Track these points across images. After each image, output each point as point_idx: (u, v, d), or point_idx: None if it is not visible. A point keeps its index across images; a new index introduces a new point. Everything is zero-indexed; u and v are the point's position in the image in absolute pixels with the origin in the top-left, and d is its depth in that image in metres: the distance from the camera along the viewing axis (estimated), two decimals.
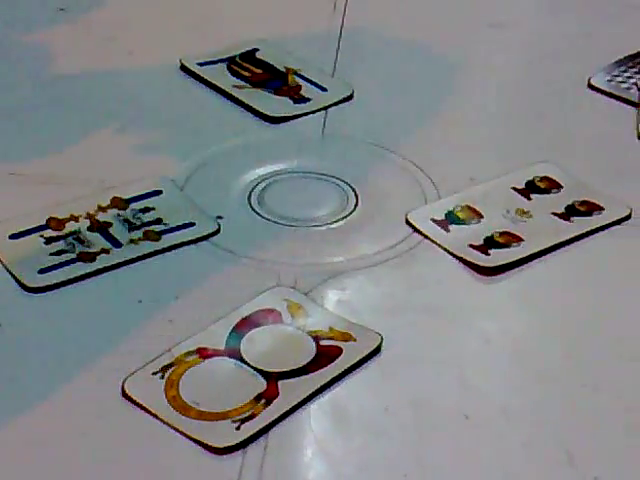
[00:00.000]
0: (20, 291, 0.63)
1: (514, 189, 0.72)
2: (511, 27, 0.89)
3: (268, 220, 0.69)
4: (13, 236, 0.67)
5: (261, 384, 0.57)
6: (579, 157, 0.75)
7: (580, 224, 0.69)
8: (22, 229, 0.67)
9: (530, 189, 0.72)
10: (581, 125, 0.79)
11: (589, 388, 0.59)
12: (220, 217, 0.69)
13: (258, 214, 0.70)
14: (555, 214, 0.70)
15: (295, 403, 0.56)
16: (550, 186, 0.72)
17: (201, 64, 0.83)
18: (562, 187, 0.72)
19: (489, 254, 0.66)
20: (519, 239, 0.68)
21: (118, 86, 0.81)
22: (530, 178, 0.73)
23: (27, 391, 0.58)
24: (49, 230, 0.67)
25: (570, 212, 0.70)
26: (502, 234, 0.68)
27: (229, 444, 0.54)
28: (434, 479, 0.54)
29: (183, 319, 0.62)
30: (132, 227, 0.68)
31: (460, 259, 0.66)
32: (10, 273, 0.64)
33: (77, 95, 0.80)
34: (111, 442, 0.55)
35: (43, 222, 0.68)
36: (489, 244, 0.67)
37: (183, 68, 0.83)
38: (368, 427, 0.56)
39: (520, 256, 0.66)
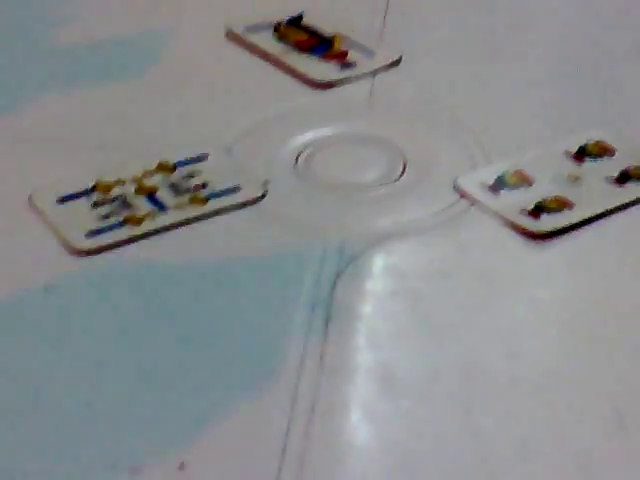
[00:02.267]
0: (67, 254, 0.63)
1: (566, 154, 0.70)
2: None
3: (315, 185, 0.69)
4: (60, 200, 0.67)
5: None
6: (635, 122, 0.74)
7: (634, 190, 0.68)
8: (69, 193, 0.67)
9: (583, 154, 0.70)
10: (637, 89, 0.77)
11: None
12: (267, 181, 0.69)
13: (305, 179, 0.69)
14: (608, 179, 0.68)
15: None
16: (604, 151, 0.71)
17: (247, 29, 0.83)
18: (616, 152, 0.71)
19: (540, 219, 0.65)
20: (571, 204, 0.66)
21: (164, 52, 0.81)
22: (583, 143, 0.71)
23: (75, 355, 0.58)
24: (96, 194, 0.67)
25: (624, 178, 0.69)
26: (554, 199, 0.67)
27: None
28: (482, 443, 0.53)
29: (229, 283, 0.62)
30: (178, 191, 0.67)
31: (510, 224, 0.65)
32: (58, 237, 0.64)
33: (122, 61, 0.79)
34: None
35: (90, 186, 0.68)
36: (540, 209, 0.66)
37: (229, 34, 0.82)
38: (416, 392, 0.56)
39: (572, 221, 0.65)
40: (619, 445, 0.52)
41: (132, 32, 0.82)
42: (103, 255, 0.63)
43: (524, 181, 0.68)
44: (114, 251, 0.64)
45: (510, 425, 0.54)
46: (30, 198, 0.67)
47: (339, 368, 0.56)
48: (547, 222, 0.65)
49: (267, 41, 0.81)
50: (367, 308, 0.60)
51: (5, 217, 0.66)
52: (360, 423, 0.54)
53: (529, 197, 0.67)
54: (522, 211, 0.66)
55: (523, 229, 0.65)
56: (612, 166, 0.69)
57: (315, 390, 0.55)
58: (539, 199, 0.67)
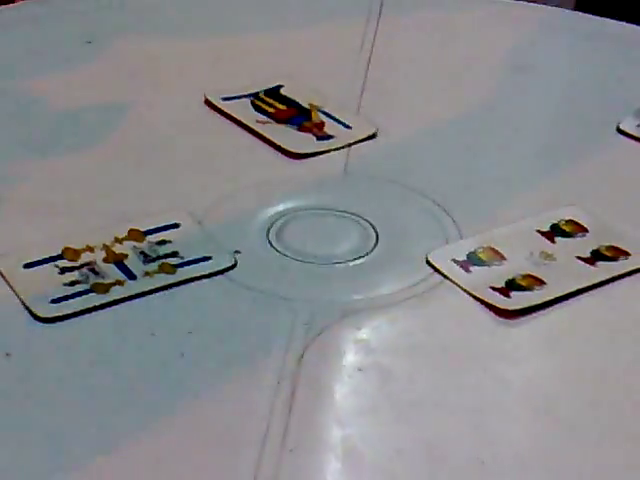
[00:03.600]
0: (32, 321, 0.63)
1: (538, 231, 0.70)
2: (538, 70, 0.88)
3: (286, 256, 0.68)
4: (27, 265, 0.66)
5: None
6: (606, 201, 0.74)
7: (605, 269, 0.67)
8: (37, 258, 0.66)
9: (555, 232, 0.70)
10: (609, 169, 0.77)
11: (611, 438, 0.57)
12: (237, 252, 0.68)
13: (276, 250, 0.69)
14: (580, 258, 0.68)
15: None
16: (576, 230, 0.71)
17: (225, 99, 0.83)
18: (588, 231, 0.71)
19: (510, 296, 0.65)
20: (542, 282, 0.66)
21: (140, 119, 0.81)
22: (555, 221, 0.71)
23: (36, 421, 0.56)
24: (64, 260, 0.66)
25: (596, 257, 0.68)
26: (525, 277, 0.66)
27: None
28: None
29: (195, 353, 0.61)
30: (148, 259, 0.67)
31: (480, 301, 0.65)
32: (22, 302, 0.63)
33: (98, 127, 0.79)
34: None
35: (58, 252, 0.67)
36: (511, 286, 0.66)
37: (207, 102, 0.82)
38: (380, 470, 0.55)
39: (542, 300, 0.65)
40: None
41: (108, 101, 0.82)
42: (68, 322, 0.62)
43: (495, 258, 0.68)
44: (80, 318, 0.63)
45: None
46: None
47: (303, 444, 0.55)
48: (518, 299, 0.65)
49: (244, 110, 0.82)
50: (333, 383, 0.59)
51: None
52: None
53: (500, 274, 0.66)
54: (493, 288, 0.65)
55: (492, 306, 0.64)
56: (584, 245, 0.69)
57: (277, 466, 0.54)
58: (510, 276, 0.66)
